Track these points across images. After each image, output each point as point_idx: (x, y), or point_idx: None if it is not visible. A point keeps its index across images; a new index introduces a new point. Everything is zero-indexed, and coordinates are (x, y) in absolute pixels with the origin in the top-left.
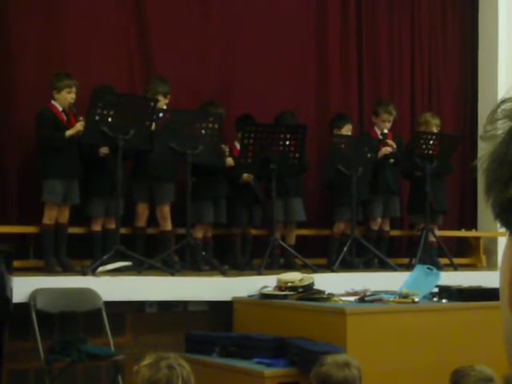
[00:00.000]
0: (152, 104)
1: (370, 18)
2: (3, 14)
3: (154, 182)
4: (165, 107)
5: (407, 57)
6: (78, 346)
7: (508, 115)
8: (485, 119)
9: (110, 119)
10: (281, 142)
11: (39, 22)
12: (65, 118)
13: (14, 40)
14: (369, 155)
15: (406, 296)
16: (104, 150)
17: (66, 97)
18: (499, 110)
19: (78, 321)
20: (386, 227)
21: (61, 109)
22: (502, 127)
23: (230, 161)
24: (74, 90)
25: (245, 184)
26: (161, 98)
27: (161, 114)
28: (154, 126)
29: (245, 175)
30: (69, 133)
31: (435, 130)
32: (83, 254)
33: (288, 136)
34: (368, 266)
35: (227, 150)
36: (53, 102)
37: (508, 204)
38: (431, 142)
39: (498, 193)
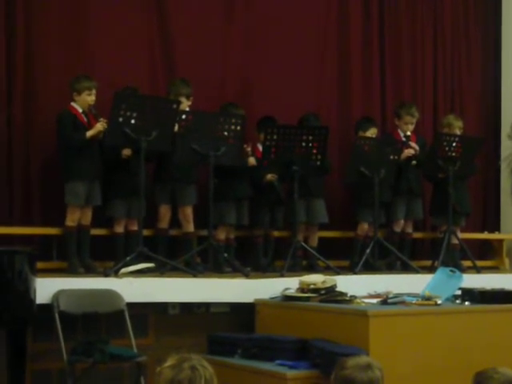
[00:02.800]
0: (175, 106)
1: (392, 20)
2: (26, 14)
3: (176, 184)
4: (187, 109)
5: (430, 58)
6: (101, 346)
7: None
8: (508, 120)
9: (132, 121)
10: (303, 144)
11: (62, 24)
12: (85, 119)
13: (36, 41)
14: (391, 157)
15: (428, 298)
16: (126, 152)
17: (85, 99)
18: None
19: (100, 322)
20: (409, 229)
21: (81, 110)
22: None
23: (252, 160)
24: (93, 91)
25: (267, 185)
26: (183, 99)
27: (183, 116)
28: (176, 127)
29: (268, 175)
30: (89, 133)
31: (458, 132)
32: (106, 255)
33: (310, 138)
34: (390, 268)
35: (249, 149)
36: (73, 104)
37: None
38: (454, 144)
39: None
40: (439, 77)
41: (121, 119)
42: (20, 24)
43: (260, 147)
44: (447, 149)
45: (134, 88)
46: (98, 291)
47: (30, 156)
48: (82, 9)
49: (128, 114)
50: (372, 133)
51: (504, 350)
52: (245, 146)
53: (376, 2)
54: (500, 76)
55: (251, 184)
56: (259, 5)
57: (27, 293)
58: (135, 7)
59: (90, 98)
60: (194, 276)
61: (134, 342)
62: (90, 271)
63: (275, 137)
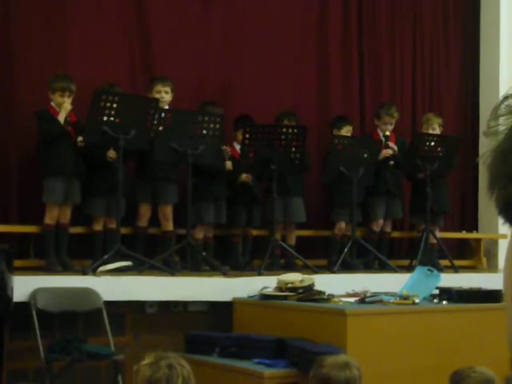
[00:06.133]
0: (154, 104)
1: (371, 19)
2: (5, 15)
3: (156, 183)
4: (167, 107)
5: (409, 58)
6: (78, 345)
7: (511, 111)
8: (486, 119)
9: (111, 119)
10: (281, 143)
11: (40, 23)
12: (62, 121)
13: (16, 40)
14: (367, 156)
15: (406, 297)
16: (111, 155)
17: (57, 100)
18: (502, 106)
19: (78, 320)
20: (388, 229)
21: (58, 109)
22: (505, 123)
23: (229, 165)
24: (67, 94)
25: (244, 184)
26: (164, 94)
27: (162, 114)
28: (157, 125)
29: (243, 176)
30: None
31: (437, 128)
32: (84, 253)
33: (289, 136)
34: (368, 267)
35: (229, 151)
36: (52, 103)
37: (511, 199)
38: (432, 144)
39: (501, 188)
40: (418, 76)
41: (99, 117)
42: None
43: (237, 146)
44: (426, 148)
45: (111, 84)
46: (75, 289)
47: (8, 154)
48: (60, 8)
49: (106, 111)
50: (346, 131)
51: (482, 349)
52: (224, 147)
53: (355, 2)
54: (478, 74)
55: (228, 183)
56: (238, 3)
57: (4, 290)
58: (114, 6)
59: (61, 99)
60: (172, 275)
61: (111, 340)
62: (67, 269)
63: (253, 135)
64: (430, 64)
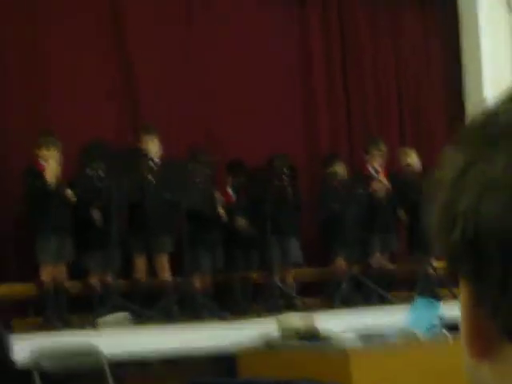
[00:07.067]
0: (142, 155)
1: (353, 52)
2: None
3: (150, 233)
4: (156, 156)
5: (393, 87)
6: None
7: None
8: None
9: (100, 173)
10: (273, 184)
11: (23, 81)
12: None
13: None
14: (361, 192)
15: (407, 330)
16: (96, 216)
17: (44, 154)
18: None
19: (80, 378)
20: (385, 262)
21: (45, 165)
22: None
23: (221, 211)
24: (53, 148)
25: (238, 229)
26: (151, 145)
27: (152, 165)
28: (146, 175)
29: (239, 220)
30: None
31: (415, 158)
32: (82, 307)
33: (280, 177)
34: (368, 301)
35: (222, 198)
36: (39, 159)
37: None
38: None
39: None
40: (404, 105)
41: (89, 173)
42: None
43: (230, 190)
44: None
45: (99, 141)
46: (76, 346)
47: (1, 213)
48: (42, 65)
49: (95, 166)
50: (339, 168)
51: None
52: (215, 193)
53: (337, 35)
54: (463, 86)
55: (223, 228)
56: (220, 47)
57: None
58: (97, 57)
59: (47, 154)
60: (172, 324)
61: None
62: (67, 325)
63: (244, 179)
64: (416, 91)
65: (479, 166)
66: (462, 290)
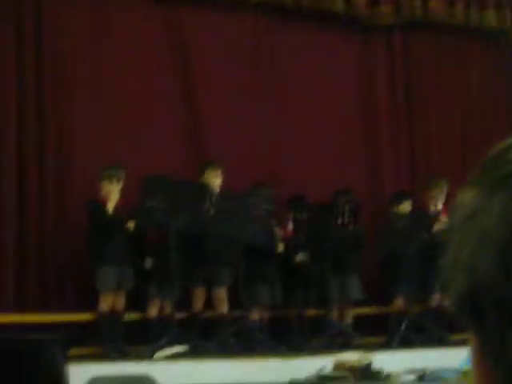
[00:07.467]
0: (204, 189)
1: (418, 90)
2: (56, 102)
3: (210, 266)
4: (217, 189)
5: (458, 126)
6: None
7: None
8: None
9: (162, 205)
10: (335, 220)
11: (89, 114)
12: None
13: (66, 132)
14: (423, 231)
15: (466, 373)
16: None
17: (107, 187)
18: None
19: None
20: (446, 303)
21: (107, 197)
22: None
23: (281, 247)
24: (115, 181)
25: (299, 264)
26: (214, 179)
27: (213, 198)
28: (208, 209)
29: (299, 255)
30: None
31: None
32: (140, 339)
33: (342, 214)
34: (428, 342)
35: (281, 233)
36: (101, 192)
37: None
38: None
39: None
40: (468, 142)
41: (150, 204)
42: (51, 118)
43: (290, 225)
44: None
45: (162, 175)
46: (133, 377)
47: (61, 243)
48: (110, 97)
49: (157, 198)
50: (406, 206)
51: None
52: (275, 228)
53: (401, 72)
54: None
55: (283, 263)
56: (286, 86)
57: (59, 381)
58: (164, 93)
59: (110, 187)
60: (229, 357)
61: None
62: (124, 356)
63: (305, 215)
64: (481, 136)
65: (479, 215)
66: (471, 338)
